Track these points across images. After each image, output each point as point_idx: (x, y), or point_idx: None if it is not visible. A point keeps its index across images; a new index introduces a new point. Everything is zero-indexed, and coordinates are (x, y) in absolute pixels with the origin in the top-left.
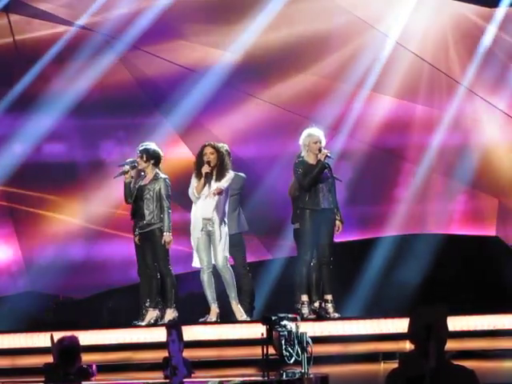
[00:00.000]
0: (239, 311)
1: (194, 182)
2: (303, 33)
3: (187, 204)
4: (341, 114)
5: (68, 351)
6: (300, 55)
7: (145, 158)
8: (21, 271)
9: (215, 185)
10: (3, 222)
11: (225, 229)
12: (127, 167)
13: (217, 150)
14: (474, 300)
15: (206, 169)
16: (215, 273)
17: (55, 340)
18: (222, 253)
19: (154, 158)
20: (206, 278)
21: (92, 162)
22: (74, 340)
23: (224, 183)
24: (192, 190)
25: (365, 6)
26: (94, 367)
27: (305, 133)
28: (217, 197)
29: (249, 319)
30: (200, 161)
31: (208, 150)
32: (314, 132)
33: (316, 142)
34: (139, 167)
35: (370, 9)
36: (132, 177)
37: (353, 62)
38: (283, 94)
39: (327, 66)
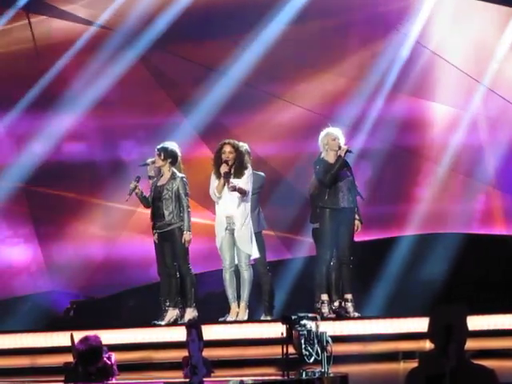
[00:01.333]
0: (243, 313)
1: (213, 181)
2: (323, 32)
3: (207, 203)
4: (361, 113)
5: (91, 350)
6: (321, 54)
7: (162, 157)
8: (41, 271)
9: (234, 182)
10: (23, 221)
11: (248, 227)
12: (133, 185)
13: (236, 148)
14: (494, 299)
15: (224, 168)
16: (237, 272)
17: (76, 340)
18: (244, 251)
19: (172, 156)
20: (228, 277)
21: (112, 162)
22: (97, 340)
23: (244, 183)
24: (213, 190)
25: (385, 4)
26: (114, 358)
27: (323, 133)
28: (238, 195)
29: (269, 318)
30: (218, 158)
31: (227, 148)
32: (332, 130)
33: (334, 139)
34: (156, 165)
35: (391, 6)
36: (152, 177)
37: (373, 62)
38: (303, 94)
39: (347, 65)
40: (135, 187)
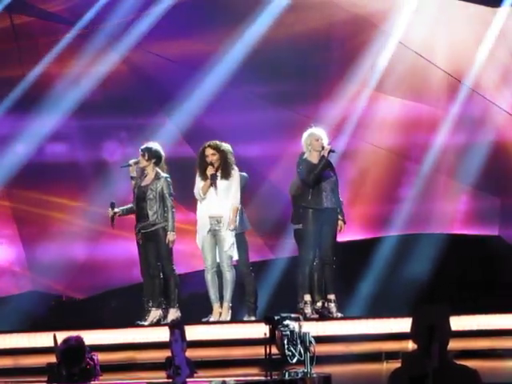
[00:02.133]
0: (226, 313)
1: (198, 182)
2: (306, 32)
3: (190, 204)
4: (344, 113)
5: (73, 351)
6: (304, 55)
7: (146, 157)
8: (23, 271)
9: (221, 183)
10: (6, 222)
11: (230, 228)
12: (110, 214)
13: (218, 149)
14: (476, 299)
15: (210, 170)
16: (219, 273)
17: (59, 340)
18: (226, 252)
19: (156, 157)
20: (210, 278)
21: (94, 163)
22: (80, 340)
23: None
24: (198, 191)
25: (368, 4)
26: (96, 358)
27: (306, 133)
28: (223, 196)
29: (253, 319)
30: (202, 162)
31: (209, 151)
32: (315, 131)
33: (318, 140)
34: (140, 165)
35: (374, 7)
36: (134, 177)
37: (356, 62)
38: (286, 94)
39: (330, 65)
40: (114, 214)
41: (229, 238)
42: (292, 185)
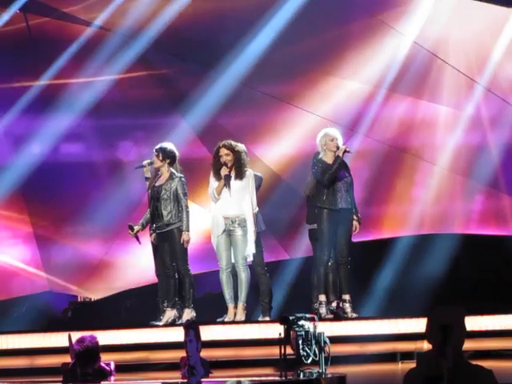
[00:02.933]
0: (241, 313)
1: (212, 182)
2: (321, 33)
3: (205, 203)
4: (358, 113)
5: (87, 351)
6: (318, 55)
7: (161, 157)
8: (39, 271)
9: (235, 183)
10: (21, 222)
11: (246, 228)
12: (133, 234)
13: (232, 150)
14: (492, 300)
15: (224, 171)
16: (234, 273)
17: (73, 340)
18: (241, 252)
19: (170, 157)
20: (225, 278)
21: (110, 162)
22: (94, 340)
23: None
24: (212, 191)
25: (383, 5)
26: (113, 365)
27: (321, 133)
28: (237, 196)
29: (267, 319)
30: (216, 162)
31: (223, 151)
32: (330, 131)
33: (333, 140)
34: (155, 166)
35: (388, 7)
36: (149, 178)
37: (370, 62)
38: (301, 94)
39: (345, 65)
40: (136, 233)
41: (245, 238)
42: (307, 185)
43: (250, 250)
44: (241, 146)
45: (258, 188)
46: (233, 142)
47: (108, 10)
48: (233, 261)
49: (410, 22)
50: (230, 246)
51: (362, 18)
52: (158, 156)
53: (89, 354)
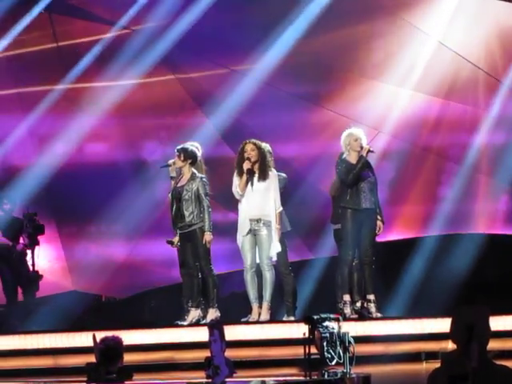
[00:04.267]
0: (265, 313)
1: (236, 179)
2: (346, 33)
3: (229, 203)
4: (383, 113)
5: (111, 351)
6: (343, 55)
7: (182, 157)
8: (63, 271)
9: (259, 185)
10: (46, 222)
11: (271, 228)
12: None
13: (258, 146)
14: None
15: (247, 165)
16: (258, 273)
17: (98, 340)
18: (266, 252)
19: (191, 157)
20: (249, 278)
21: (134, 162)
22: (117, 340)
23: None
24: (235, 188)
25: (407, 5)
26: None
27: (345, 133)
28: (261, 196)
29: (292, 319)
30: (241, 158)
31: (249, 146)
32: (354, 131)
33: (356, 140)
34: (176, 166)
35: (413, 8)
36: (174, 177)
37: (395, 62)
38: (326, 94)
39: (370, 65)
40: (177, 243)
41: (270, 238)
42: (332, 185)
43: (275, 249)
44: (266, 146)
45: (282, 189)
46: (259, 141)
47: (133, 10)
48: (257, 261)
49: (434, 21)
50: (255, 245)
51: (387, 18)
52: (179, 156)
53: (112, 352)
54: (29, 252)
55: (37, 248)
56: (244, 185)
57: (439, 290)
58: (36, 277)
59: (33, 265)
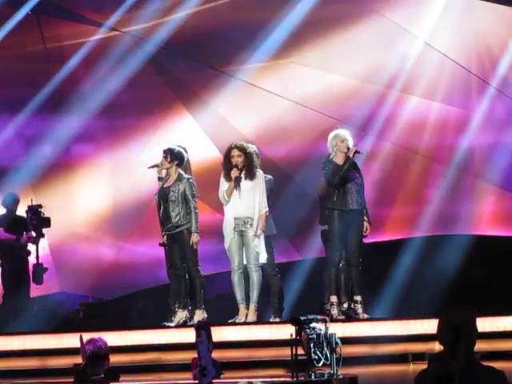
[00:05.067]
0: (252, 314)
1: (223, 184)
2: (332, 33)
3: (216, 205)
4: (370, 114)
5: (95, 354)
6: (329, 56)
7: (169, 159)
8: (50, 272)
9: (245, 184)
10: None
11: (258, 233)
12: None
13: (244, 151)
14: (503, 300)
15: (235, 173)
16: (245, 274)
17: (84, 341)
18: (253, 253)
19: (178, 158)
20: (237, 279)
21: (120, 163)
22: (102, 343)
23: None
24: (222, 194)
25: (395, 6)
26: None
27: (331, 134)
28: (247, 197)
29: (278, 320)
30: (227, 162)
31: (235, 152)
32: (341, 132)
33: (343, 141)
34: (163, 167)
35: (400, 9)
36: (162, 178)
37: (382, 63)
38: (312, 95)
39: (356, 66)
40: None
41: (256, 240)
42: (319, 186)
43: (262, 258)
44: (252, 148)
45: (269, 191)
46: (245, 144)
47: (120, 12)
48: (244, 262)
49: (422, 23)
50: (242, 247)
51: (374, 19)
52: (165, 157)
53: (99, 355)
54: (31, 247)
55: (42, 240)
56: (231, 192)
57: (426, 291)
58: (41, 269)
59: (37, 257)
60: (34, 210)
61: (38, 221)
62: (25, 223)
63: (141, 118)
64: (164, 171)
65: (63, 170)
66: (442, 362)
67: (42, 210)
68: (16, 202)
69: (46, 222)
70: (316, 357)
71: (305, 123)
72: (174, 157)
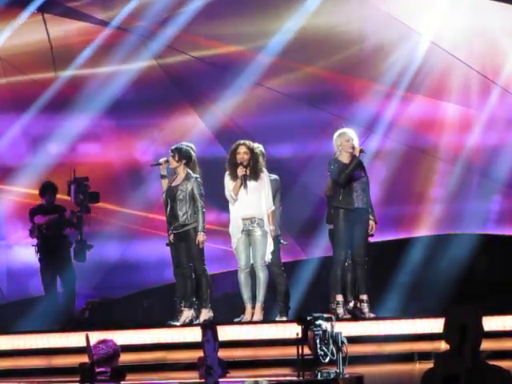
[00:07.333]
0: (259, 314)
1: (228, 182)
2: (338, 33)
3: (222, 204)
4: (376, 113)
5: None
6: (335, 55)
7: (177, 158)
8: None
9: (250, 184)
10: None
11: (264, 228)
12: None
13: (251, 150)
14: (510, 300)
15: (241, 171)
16: (252, 273)
17: (91, 340)
18: (260, 252)
19: (186, 157)
20: (243, 278)
21: (127, 162)
22: (113, 346)
23: (266, 180)
24: (229, 192)
25: (400, 5)
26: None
27: (337, 133)
28: (253, 196)
29: (284, 319)
30: (233, 159)
31: (242, 149)
32: (346, 131)
33: (348, 140)
34: (171, 166)
35: (406, 8)
36: (165, 176)
37: (388, 62)
38: (318, 94)
39: (362, 66)
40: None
41: (263, 239)
42: (326, 185)
43: (269, 250)
44: (259, 148)
45: (276, 191)
46: (252, 142)
47: (125, 10)
48: (251, 261)
49: (427, 21)
50: (249, 246)
51: (380, 18)
52: (173, 156)
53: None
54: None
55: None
56: (238, 190)
57: (432, 290)
58: (85, 246)
59: (81, 234)
60: (79, 183)
61: (84, 195)
62: (64, 210)
63: (147, 117)
64: (167, 169)
65: (69, 168)
66: (448, 361)
67: (88, 183)
68: (54, 190)
69: (95, 197)
70: (322, 353)
71: (311, 122)
72: (182, 156)
